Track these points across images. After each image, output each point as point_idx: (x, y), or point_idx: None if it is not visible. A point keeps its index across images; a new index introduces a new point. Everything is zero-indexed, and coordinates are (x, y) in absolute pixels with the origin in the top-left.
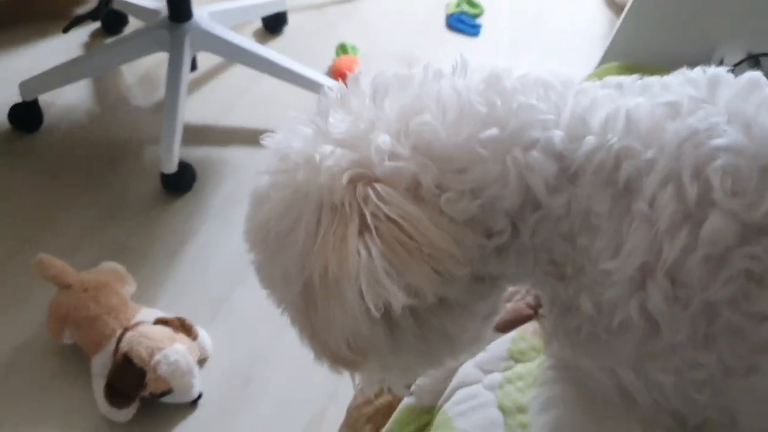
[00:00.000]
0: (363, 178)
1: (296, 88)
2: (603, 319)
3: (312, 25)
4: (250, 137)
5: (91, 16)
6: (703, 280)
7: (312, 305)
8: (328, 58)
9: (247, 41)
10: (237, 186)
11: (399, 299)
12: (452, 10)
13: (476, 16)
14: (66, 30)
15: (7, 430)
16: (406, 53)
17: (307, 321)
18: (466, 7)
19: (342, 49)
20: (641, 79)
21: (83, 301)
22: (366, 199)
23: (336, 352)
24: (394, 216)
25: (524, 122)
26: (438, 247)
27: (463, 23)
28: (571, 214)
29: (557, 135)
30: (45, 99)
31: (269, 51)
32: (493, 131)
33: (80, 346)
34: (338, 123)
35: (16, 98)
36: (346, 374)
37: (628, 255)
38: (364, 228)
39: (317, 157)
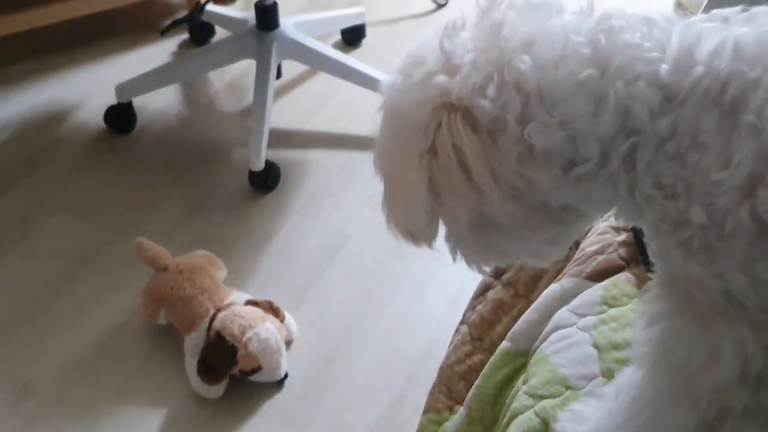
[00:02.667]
0: (449, 108)
1: (373, 96)
2: (715, 226)
3: (388, 38)
4: (332, 141)
5: (187, 19)
6: None
7: (386, 196)
8: None
9: (331, 50)
10: (319, 186)
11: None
12: None
13: None
14: (163, 33)
15: (104, 404)
16: None
17: (384, 207)
18: None
19: None
20: (747, 10)
21: (179, 282)
22: (440, 126)
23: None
24: (456, 147)
25: (629, 59)
26: (484, 183)
27: None
28: (677, 135)
29: (663, 68)
30: (138, 103)
31: (352, 59)
32: (592, 71)
33: (175, 325)
34: (451, 49)
35: (113, 101)
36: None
37: (737, 165)
38: (430, 150)
39: (417, 81)
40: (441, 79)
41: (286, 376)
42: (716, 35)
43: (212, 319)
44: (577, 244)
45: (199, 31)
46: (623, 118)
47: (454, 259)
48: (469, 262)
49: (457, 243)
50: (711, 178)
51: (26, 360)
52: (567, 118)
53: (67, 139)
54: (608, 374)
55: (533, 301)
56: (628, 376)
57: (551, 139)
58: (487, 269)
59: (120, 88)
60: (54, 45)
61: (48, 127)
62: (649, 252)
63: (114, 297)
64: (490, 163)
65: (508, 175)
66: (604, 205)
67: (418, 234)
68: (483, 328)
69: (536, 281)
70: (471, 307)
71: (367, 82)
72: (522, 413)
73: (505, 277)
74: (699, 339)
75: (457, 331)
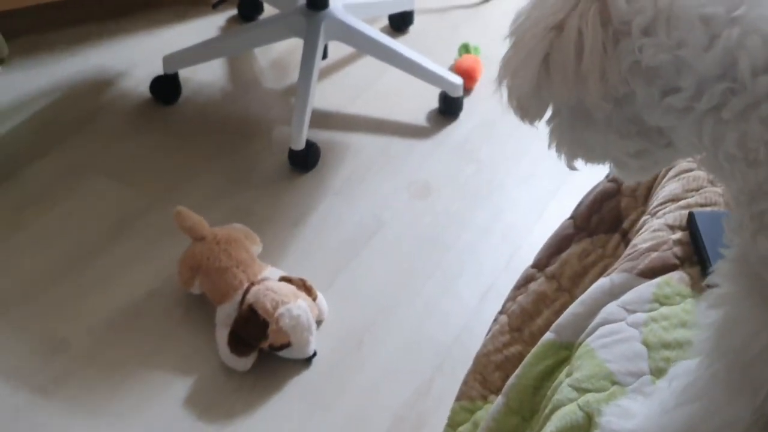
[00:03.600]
0: (594, 1)
1: (418, 83)
2: None
3: (436, 27)
4: (374, 126)
5: None
6: None
7: (504, 60)
8: (451, 57)
9: (379, 34)
10: (358, 169)
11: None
12: None
13: None
14: (215, 6)
15: (132, 366)
16: None
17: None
18: None
19: (465, 48)
20: None
21: (215, 253)
22: (575, 8)
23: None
24: (580, 32)
25: (757, 12)
26: (591, 76)
27: None
28: None
29: None
30: (183, 75)
31: (399, 45)
32: (720, 9)
33: (208, 295)
34: None
35: (160, 71)
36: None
37: None
38: (557, 27)
39: None
40: None
41: (314, 354)
42: None
43: (246, 292)
44: (627, 242)
45: (248, 7)
46: (729, 65)
47: (549, 145)
48: (558, 150)
49: (554, 128)
50: None
51: (60, 318)
52: (679, 44)
53: (112, 105)
54: (657, 373)
55: (577, 296)
56: (684, 364)
57: (657, 59)
58: (575, 165)
59: (167, 59)
60: (106, 12)
61: (95, 92)
62: (727, 226)
63: (150, 263)
64: (603, 61)
65: (615, 77)
66: (692, 147)
67: (525, 107)
68: (523, 320)
69: (581, 276)
70: (512, 297)
71: (413, 69)
72: (564, 406)
73: (549, 269)
74: (762, 323)
75: (495, 320)
